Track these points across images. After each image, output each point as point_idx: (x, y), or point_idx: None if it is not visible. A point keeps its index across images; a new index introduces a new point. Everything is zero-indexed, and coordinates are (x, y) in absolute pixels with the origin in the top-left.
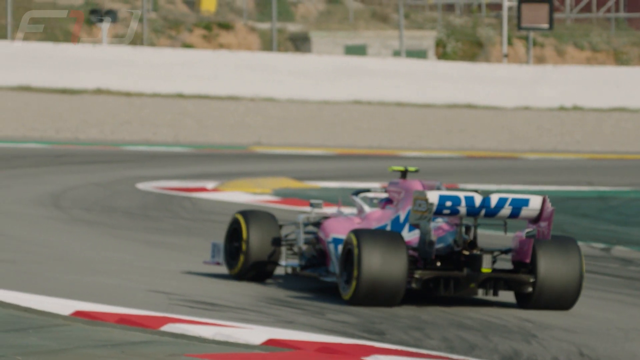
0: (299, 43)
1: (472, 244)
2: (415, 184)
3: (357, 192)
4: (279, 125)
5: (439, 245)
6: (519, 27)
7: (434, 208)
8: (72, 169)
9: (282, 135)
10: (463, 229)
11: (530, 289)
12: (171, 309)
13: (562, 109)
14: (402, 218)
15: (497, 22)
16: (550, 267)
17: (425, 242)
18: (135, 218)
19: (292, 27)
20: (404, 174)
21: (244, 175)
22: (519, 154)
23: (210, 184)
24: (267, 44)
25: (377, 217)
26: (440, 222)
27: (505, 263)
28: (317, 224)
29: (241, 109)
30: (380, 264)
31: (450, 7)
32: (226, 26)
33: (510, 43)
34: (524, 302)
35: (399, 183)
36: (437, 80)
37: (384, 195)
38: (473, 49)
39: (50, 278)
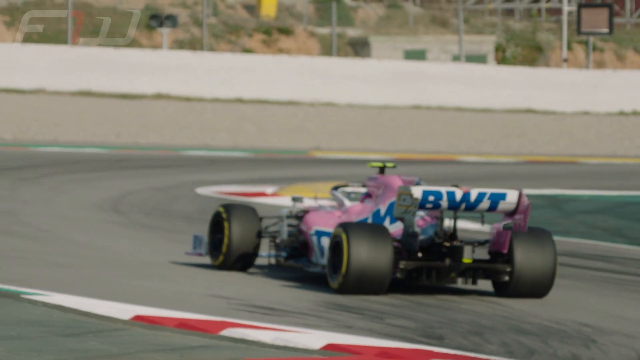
0: (359, 48)
1: (453, 236)
2: (395, 180)
3: (337, 187)
4: (338, 130)
5: (421, 237)
6: (579, 32)
7: (418, 202)
8: (132, 174)
9: (341, 140)
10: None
11: (507, 278)
12: (230, 314)
13: (621, 113)
14: (382, 212)
15: (556, 26)
16: (526, 257)
17: (408, 234)
18: (194, 222)
19: (352, 32)
20: (382, 169)
21: (303, 180)
22: (578, 159)
23: (269, 189)
24: (327, 49)
25: (357, 211)
26: (421, 215)
27: (483, 253)
28: (299, 217)
29: (301, 114)
30: (368, 255)
31: (509, 12)
32: (286, 31)
33: (569, 48)
34: (501, 290)
35: (378, 178)
36: (496, 85)
37: (363, 190)
38: (532, 54)
39: (110, 283)
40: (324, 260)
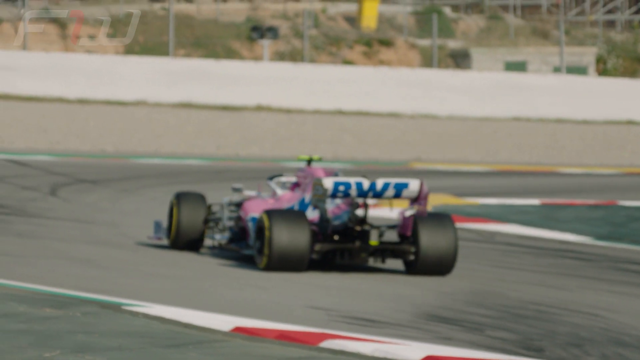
0: (459, 59)
1: (363, 221)
2: (318, 171)
3: (272, 177)
4: (438, 142)
5: (336, 222)
6: None
7: (329, 192)
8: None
9: (441, 151)
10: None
11: (412, 257)
12: (330, 325)
13: None
14: (307, 199)
15: None
16: (430, 238)
17: (322, 220)
18: None
19: (453, 44)
20: (309, 162)
21: None
22: None
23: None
24: (427, 61)
25: (287, 199)
26: (338, 202)
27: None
28: (239, 205)
29: (401, 126)
30: (287, 238)
31: (611, 24)
32: (386, 43)
33: None
34: (409, 268)
35: (305, 170)
36: (597, 96)
37: (294, 179)
38: (634, 65)
39: (209, 293)
40: None
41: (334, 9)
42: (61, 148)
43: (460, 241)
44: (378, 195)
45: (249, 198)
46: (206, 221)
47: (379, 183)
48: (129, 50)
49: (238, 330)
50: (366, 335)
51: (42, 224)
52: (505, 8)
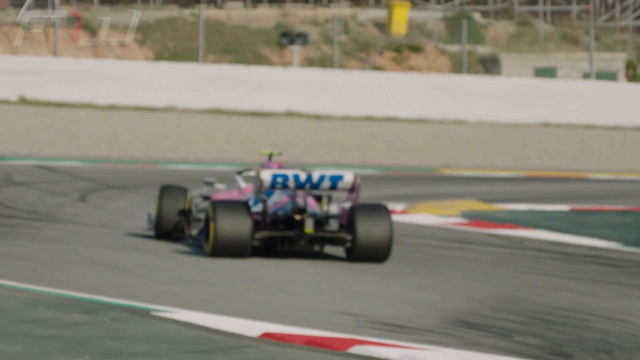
0: (489, 65)
1: (302, 211)
2: (274, 166)
3: (241, 171)
4: (467, 148)
5: (281, 212)
6: None
7: (267, 184)
8: None
9: (470, 157)
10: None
11: (350, 245)
12: (358, 331)
13: None
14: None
15: None
16: (366, 227)
17: (263, 210)
18: None
19: (482, 50)
20: (270, 156)
21: (432, 197)
22: None
23: (398, 206)
24: (457, 66)
25: (249, 191)
26: (284, 194)
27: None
28: (207, 198)
29: (430, 132)
30: (230, 227)
31: None
32: (416, 49)
33: None
34: (349, 255)
35: (265, 164)
36: (627, 102)
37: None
38: None
39: (238, 299)
40: None
41: (363, 15)
42: (91, 154)
43: (489, 247)
44: (315, 186)
45: (218, 191)
46: (182, 212)
47: (315, 175)
48: (159, 56)
49: (266, 335)
50: (395, 341)
51: (71, 229)
52: (535, 14)
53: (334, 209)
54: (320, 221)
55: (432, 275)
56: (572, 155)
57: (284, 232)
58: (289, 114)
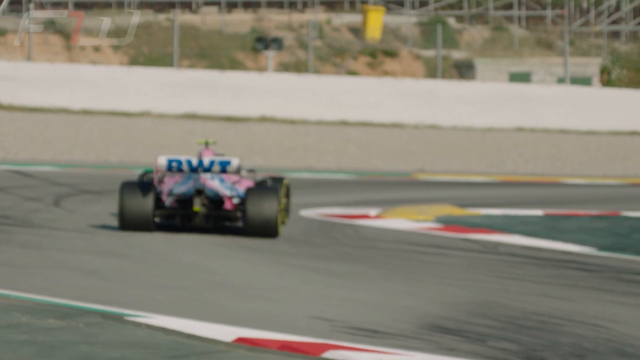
0: (464, 70)
1: (200, 192)
2: (207, 152)
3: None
4: (442, 152)
5: (189, 193)
6: None
7: (164, 168)
8: None
9: (445, 162)
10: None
11: (241, 222)
12: (333, 336)
13: None
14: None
15: None
16: (255, 205)
17: (162, 192)
18: (298, 245)
19: (457, 54)
20: (206, 144)
21: (407, 202)
22: None
23: (373, 211)
24: (432, 71)
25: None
26: (196, 177)
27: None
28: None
29: (405, 136)
30: (134, 204)
31: (615, 34)
32: (391, 53)
33: None
34: (244, 231)
35: (201, 152)
36: (601, 107)
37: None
38: (638, 76)
39: (213, 304)
40: None
41: (338, 20)
42: (65, 159)
43: (464, 251)
44: (207, 169)
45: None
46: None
47: (206, 160)
48: (134, 61)
49: (241, 340)
50: (369, 345)
51: (46, 234)
52: (509, 19)
53: (236, 191)
54: (216, 200)
55: (407, 280)
56: (547, 160)
57: (179, 210)
58: (263, 119)
